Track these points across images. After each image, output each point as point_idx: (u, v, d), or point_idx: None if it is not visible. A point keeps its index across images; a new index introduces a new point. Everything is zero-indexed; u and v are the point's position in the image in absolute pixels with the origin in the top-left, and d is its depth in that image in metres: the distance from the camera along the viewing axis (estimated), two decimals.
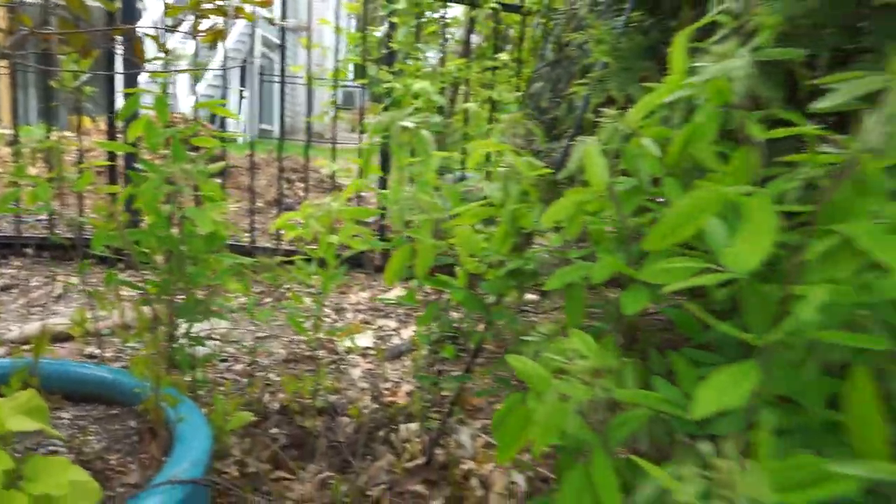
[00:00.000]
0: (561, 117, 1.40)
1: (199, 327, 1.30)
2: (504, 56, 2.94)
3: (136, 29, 1.81)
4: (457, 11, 3.24)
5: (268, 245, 2.85)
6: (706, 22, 0.75)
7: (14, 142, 2.66)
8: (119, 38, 2.20)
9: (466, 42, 3.19)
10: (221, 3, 1.27)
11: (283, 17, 3.62)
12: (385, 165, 2.79)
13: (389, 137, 1.07)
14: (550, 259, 0.92)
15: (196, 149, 1.24)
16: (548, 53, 1.81)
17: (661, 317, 1.05)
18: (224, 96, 2.90)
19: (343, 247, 1.26)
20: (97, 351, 1.67)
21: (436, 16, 3.01)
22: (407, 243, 0.96)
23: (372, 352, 1.90)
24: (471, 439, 1.36)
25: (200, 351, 1.29)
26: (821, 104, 0.50)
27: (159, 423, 0.94)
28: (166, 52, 1.37)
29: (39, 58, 2.13)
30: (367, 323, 2.21)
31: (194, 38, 1.48)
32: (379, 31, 3.18)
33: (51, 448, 0.97)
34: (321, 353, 1.85)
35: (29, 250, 2.69)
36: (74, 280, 2.32)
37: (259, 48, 9.53)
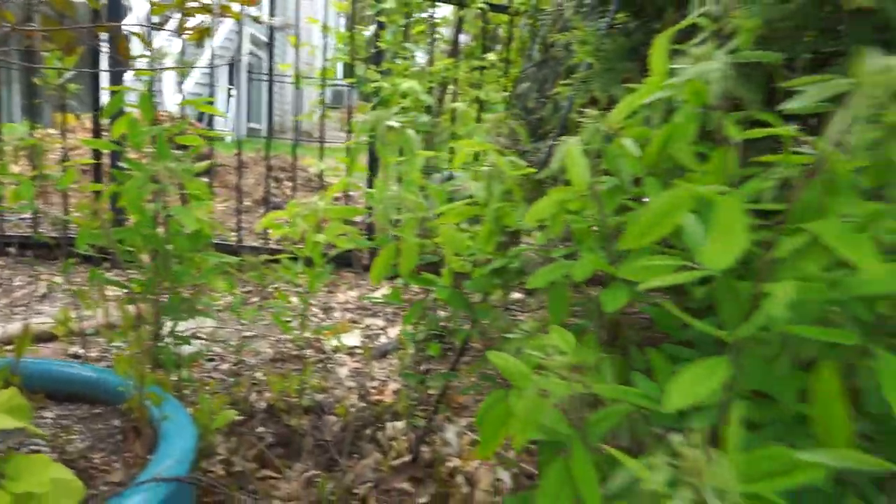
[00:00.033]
0: (546, 117, 1.41)
1: (185, 326, 1.29)
2: (492, 56, 2.95)
3: (122, 27, 1.80)
4: (445, 11, 3.25)
5: (255, 244, 2.84)
6: (687, 24, 0.76)
7: None
8: (104, 35, 2.18)
9: (455, 42, 3.19)
10: (207, 1, 1.27)
11: (272, 14, 3.60)
12: (373, 165, 2.79)
13: (376, 137, 1.07)
14: (536, 257, 0.93)
15: (183, 147, 1.23)
16: (535, 54, 1.83)
17: (644, 315, 1.06)
18: (212, 95, 2.89)
19: (330, 246, 1.26)
20: (81, 351, 1.66)
21: (424, 15, 3.01)
22: (392, 242, 0.96)
23: (359, 350, 1.90)
24: (457, 437, 1.37)
25: (186, 350, 1.29)
26: (789, 106, 0.52)
27: (143, 422, 0.94)
28: (152, 49, 1.37)
29: (23, 55, 2.11)
30: (354, 322, 2.21)
31: (180, 36, 1.48)
32: (367, 31, 3.17)
33: (33, 447, 0.96)
34: (308, 352, 1.85)
35: (12, 249, 2.66)
36: (59, 279, 2.30)
37: (247, 46, 9.48)
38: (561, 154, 0.75)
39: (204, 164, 1.27)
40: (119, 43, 1.58)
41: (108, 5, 2.50)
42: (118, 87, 1.19)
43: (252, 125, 9.41)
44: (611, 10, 1.19)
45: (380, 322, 2.23)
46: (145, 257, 1.22)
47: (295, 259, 1.35)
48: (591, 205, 0.76)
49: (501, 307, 1.11)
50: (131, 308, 1.16)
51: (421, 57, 3.03)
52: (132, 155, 1.19)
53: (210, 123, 4.20)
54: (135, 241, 1.17)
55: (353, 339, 2.00)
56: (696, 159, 0.71)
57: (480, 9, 2.89)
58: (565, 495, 0.54)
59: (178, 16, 1.43)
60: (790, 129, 0.64)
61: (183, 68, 1.88)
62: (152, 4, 1.42)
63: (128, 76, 2.51)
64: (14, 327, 1.83)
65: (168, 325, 1.24)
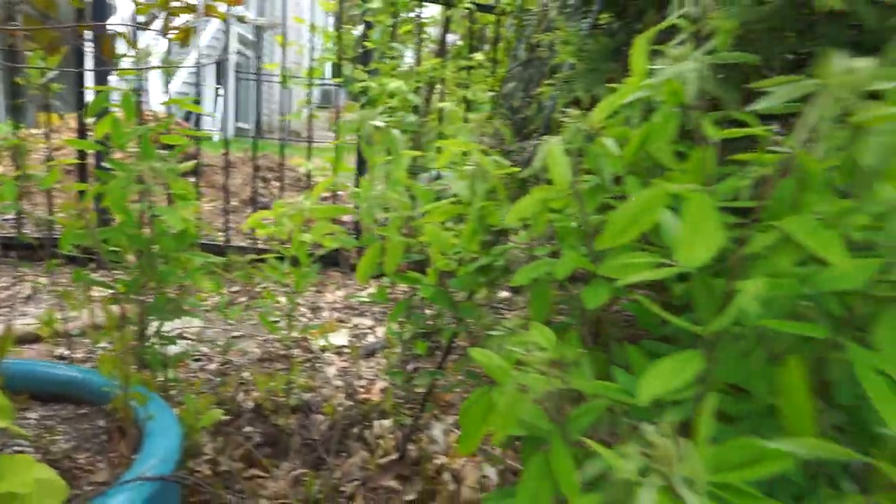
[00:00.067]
0: (531, 117, 1.42)
1: (172, 326, 1.29)
2: (479, 56, 2.96)
3: (106, 26, 1.79)
4: (433, 11, 3.26)
5: (242, 244, 2.83)
6: (668, 25, 0.78)
7: None
8: (89, 34, 2.17)
9: (442, 41, 3.20)
10: (191, 0, 1.26)
11: (261, 14, 3.59)
12: (361, 164, 2.79)
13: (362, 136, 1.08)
14: (521, 256, 0.94)
15: (168, 147, 1.23)
16: (520, 53, 1.84)
17: (627, 312, 1.07)
18: (199, 94, 2.87)
19: (317, 245, 1.26)
20: (67, 352, 1.65)
21: (411, 15, 3.02)
22: (378, 241, 0.97)
23: (347, 350, 1.91)
24: (444, 434, 1.38)
25: (172, 350, 1.28)
26: (757, 106, 0.53)
27: (128, 422, 0.94)
28: (137, 49, 1.36)
29: (5, 54, 2.09)
30: (342, 321, 2.21)
31: (165, 36, 1.47)
32: (355, 30, 3.17)
33: (17, 448, 0.96)
34: (296, 351, 1.85)
35: None
36: (43, 280, 2.28)
37: (235, 45, 9.42)
38: (543, 153, 0.76)
39: (190, 163, 1.27)
40: (104, 42, 1.57)
41: (92, 5, 2.48)
42: (102, 87, 1.19)
43: (240, 125, 9.36)
44: (593, 10, 1.20)
45: (368, 321, 2.23)
46: (131, 257, 1.21)
47: (281, 259, 1.35)
48: (574, 203, 0.77)
49: (487, 305, 1.12)
50: (115, 308, 1.16)
51: (408, 57, 3.04)
52: (117, 155, 1.19)
53: (198, 123, 4.17)
54: (120, 241, 1.17)
55: (340, 338, 2.01)
56: (675, 158, 0.72)
57: (467, 9, 2.90)
58: (545, 489, 0.55)
59: (164, 15, 1.42)
60: (765, 129, 0.65)
61: (168, 68, 1.88)
62: (137, 4, 1.42)
63: (114, 76, 2.50)
64: None
65: (154, 325, 1.23)
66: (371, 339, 2.06)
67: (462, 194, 0.93)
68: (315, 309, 2.31)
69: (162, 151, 1.18)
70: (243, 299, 2.28)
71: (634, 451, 0.35)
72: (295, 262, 1.33)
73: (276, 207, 1.21)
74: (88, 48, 2.50)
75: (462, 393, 1.59)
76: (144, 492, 0.75)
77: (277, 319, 1.46)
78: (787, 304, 0.53)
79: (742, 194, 0.65)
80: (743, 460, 0.41)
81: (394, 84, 2.56)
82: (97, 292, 1.26)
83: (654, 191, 0.55)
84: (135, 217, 1.15)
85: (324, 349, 1.88)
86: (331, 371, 1.75)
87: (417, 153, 1.25)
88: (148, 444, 0.88)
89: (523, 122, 1.52)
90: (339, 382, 1.68)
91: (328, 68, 3.46)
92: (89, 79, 2.64)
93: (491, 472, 1.24)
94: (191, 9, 1.29)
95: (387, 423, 1.41)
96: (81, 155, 2.68)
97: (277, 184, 3.68)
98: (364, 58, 2.90)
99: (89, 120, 2.64)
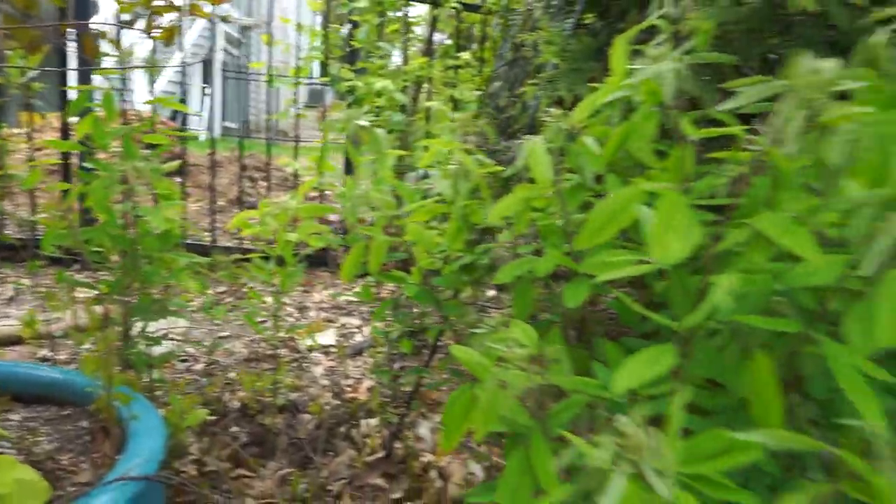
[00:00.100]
0: (516, 116, 1.43)
1: (157, 327, 1.28)
2: (466, 55, 2.97)
3: (88, 25, 1.78)
4: (420, 10, 3.26)
5: (229, 244, 2.82)
6: (648, 26, 0.79)
7: None
8: (72, 33, 2.15)
9: (429, 41, 3.20)
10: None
11: (249, 13, 3.57)
12: (349, 163, 2.79)
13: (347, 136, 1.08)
14: (506, 254, 0.94)
15: (152, 146, 1.23)
16: (506, 53, 1.85)
17: (611, 310, 1.09)
18: (185, 93, 2.85)
19: (304, 245, 1.26)
20: (50, 354, 1.64)
21: (398, 14, 3.02)
22: (362, 240, 0.97)
23: (334, 349, 1.91)
24: (430, 432, 1.39)
25: (157, 350, 1.28)
26: (726, 105, 0.54)
27: (112, 422, 0.93)
28: (120, 49, 1.35)
29: None
30: (330, 321, 2.21)
31: (149, 35, 1.46)
32: (342, 29, 3.17)
33: None
34: (283, 351, 1.84)
35: None
36: (26, 281, 2.26)
37: (221, 44, 9.36)
38: (525, 152, 0.77)
39: (174, 163, 1.26)
40: (86, 42, 1.55)
41: (75, 3, 2.46)
42: (84, 87, 1.18)
43: (227, 124, 9.29)
44: (576, 10, 1.22)
45: (355, 321, 2.23)
46: (114, 258, 1.21)
47: (267, 258, 1.35)
48: (556, 202, 0.78)
49: (474, 304, 1.12)
50: (99, 309, 1.15)
51: (396, 56, 3.04)
52: (102, 155, 1.18)
53: (184, 122, 4.14)
54: (103, 241, 1.16)
55: (327, 337, 2.01)
56: (655, 157, 0.73)
57: (454, 8, 2.91)
58: (525, 483, 0.56)
59: (148, 14, 1.42)
60: (742, 128, 0.66)
61: (153, 67, 1.87)
62: (120, 3, 1.41)
63: (96, 75, 2.47)
64: None
65: (138, 325, 1.23)
66: (358, 338, 2.06)
67: (445, 193, 0.93)
68: (302, 308, 2.31)
69: (146, 151, 1.17)
70: (230, 299, 2.27)
71: (608, 441, 0.36)
72: (281, 261, 1.33)
73: (261, 207, 1.21)
74: (71, 47, 2.47)
75: (448, 391, 1.60)
76: (128, 492, 0.75)
77: (264, 319, 1.46)
78: (760, 300, 0.54)
79: (719, 192, 0.66)
80: (714, 451, 0.42)
81: (381, 83, 2.57)
82: (81, 293, 1.25)
83: (631, 189, 0.55)
84: (118, 217, 1.14)
85: (311, 349, 1.88)
86: (318, 370, 1.75)
87: (404, 152, 1.26)
88: (132, 444, 0.88)
89: (509, 122, 1.53)
90: (326, 382, 1.68)
91: (316, 67, 3.45)
92: (73, 78, 2.62)
93: (477, 469, 1.25)
94: (174, 8, 1.29)
95: (374, 421, 1.41)
96: (64, 155, 2.65)
97: (265, 183, 3.67)
98: (351, 57, 2.89)
99: (72, 119, 2.61)
